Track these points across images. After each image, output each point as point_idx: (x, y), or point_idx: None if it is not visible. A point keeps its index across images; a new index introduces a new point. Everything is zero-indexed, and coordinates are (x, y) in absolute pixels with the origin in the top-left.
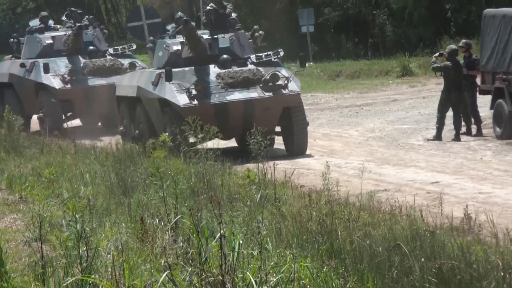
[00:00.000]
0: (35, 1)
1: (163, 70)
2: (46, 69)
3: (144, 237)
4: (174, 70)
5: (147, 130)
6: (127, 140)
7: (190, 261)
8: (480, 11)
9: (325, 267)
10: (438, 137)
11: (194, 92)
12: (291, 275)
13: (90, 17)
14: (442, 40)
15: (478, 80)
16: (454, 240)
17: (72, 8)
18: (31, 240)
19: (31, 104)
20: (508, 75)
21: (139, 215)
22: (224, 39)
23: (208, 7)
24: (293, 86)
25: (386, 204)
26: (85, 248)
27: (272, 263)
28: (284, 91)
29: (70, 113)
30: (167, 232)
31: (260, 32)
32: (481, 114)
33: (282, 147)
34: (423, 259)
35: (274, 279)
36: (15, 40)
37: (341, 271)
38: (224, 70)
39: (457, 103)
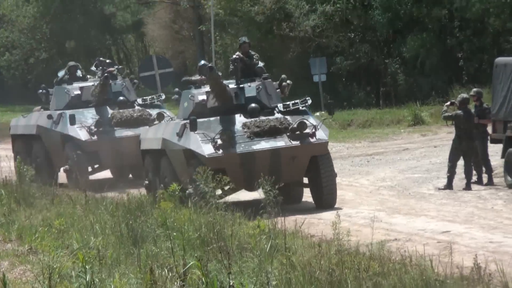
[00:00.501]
0: (48, 52)
1: (188, 121)
2: (72, 120)
3: None
4: (199, 120)
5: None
6: (152, 194)
7: None
8: (492, 60)
9: None
10: (449, 186)
11: (219, 141)
12: None
13: (119, 66)
14: (453, 88)
15: (489, 129)
16: None
17: (101, 58)
18: None
19: (58, 156)
20: None
21: (148, 265)
22: (250, 88)
23: (234, 56)
24: (321, 134)
25: (396, 254)
26: None
27: None
28: (311, 140)
29: (97, 165)
30: (175, 283)
31: (288, 81)
32: (492, 163)
33: (310, 199)
34: None
35: None
36: (44, 91)
37: None
38: (250, 120)
39: (468, 152)
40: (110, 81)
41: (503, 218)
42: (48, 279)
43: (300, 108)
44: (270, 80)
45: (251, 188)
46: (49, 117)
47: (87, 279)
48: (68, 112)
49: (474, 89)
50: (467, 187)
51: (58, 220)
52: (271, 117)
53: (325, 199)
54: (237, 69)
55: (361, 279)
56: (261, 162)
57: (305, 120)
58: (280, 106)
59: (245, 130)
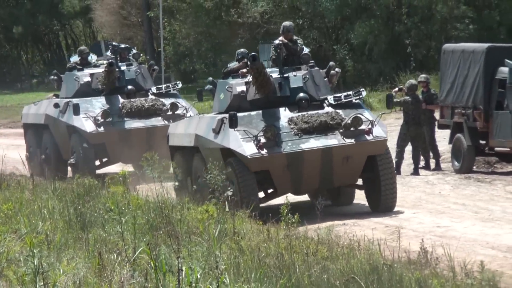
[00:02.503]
0: None
1: (226, 115)
2: (76, 110)
3: (102, 272)
4: (238, 114)
5: (207, 184)
6: (183, 196)
7: None
8: (440, 47)
9: None
10: (397, 171)
11: (262, 140)
12: None
13: (135, 52)
14: (401, 75)
15: (437, 115)
16: (411, 274)
17: (114, 43)
18: None
19: (66, 148)
20: (466, 109)
21: (97, 250)
22: (296, 78)
23: (277, 41)
24: (379, 131)
25: (344, 238)
26: (42, 284)
27: None
28: (368, 137)
29: (106, 159)
30: (125, 267)
31: (337, 69)
32: (440, 148)
33: (362, 202)
34: None
35: None
36: (55, 77)
37: None
38: (297, 114)
39: (416, 137)
40: (123, 68)
41: (450, 203)
42: None
43: (353, 100)
44: (317, 68)
45: (298, 192)
46: (56, 105)
47: (35, 263)
48: (74, 101)
49: (422, 75)
50: (415, 172)
51: (6, 205)
52: (320, 111)
53: (384, 203)
54: (280, 56)
55: (309, 263)
56: (311, 163)
57: (360, 115)
58: (330, 98)
59: (292, 126)
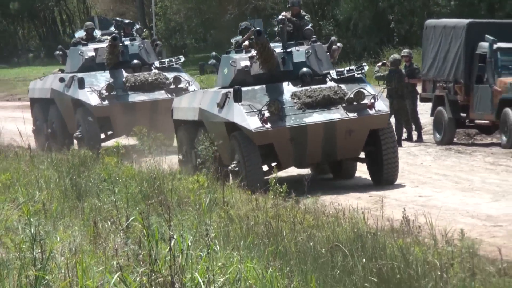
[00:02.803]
0: None
1: (230, 90)
2: (81, 84)
3: (97, 240)
4: (243, 89)
5: (211, 158)
6: (187, 169)
7: (141, 263)
8: (422, 22)
9: (271, 268)
10: None
11: (266, 114)
12: (238, 275)
13: (139, 27)
14: (385, 50)
15: (419, 88)
16: (394, 242)
17: (118, 18)
18: None
19: (72, 121)
20: (448, 83)
21: (92, 218)
22: (299, 53)
23: (281, 16)
24: (381, 105)
25: (330, 208)
26: (39, 250)
27: (220, 264)
28: (370, 111)
29: (110, 132)
30: (118, 235)
31: (339, 44)
32: (422, 121)
33: (364, 175)
34: (364, 260)
35: (222, 280)
36: (60, 52)
37: (285, 271)
38: (300, 89)
39: (399, 110)
40: (126, 43)
41: (431, 173)
42: None
43: (356, 75)
44: (320, 43)
45: (301, 166)
46: (61, 80)
47: (32, 231)
48: (79, 75)
49: (405, 50)
50: (398, 144)
51: (4, 175)
52: (323, 86)
53: (386, 176)
54: (283, 31)
55: (296, 231)
56: (314, 136)
57: (362, 89)
58: (332, 73)
59: (295, 100)
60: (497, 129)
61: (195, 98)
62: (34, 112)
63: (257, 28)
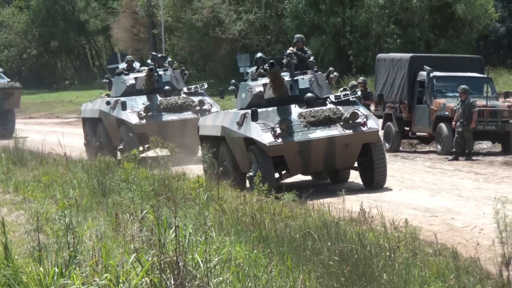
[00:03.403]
0: (37, 49)
1: (248, 111)
2: (124, 106)
3: (118, 228)
4: (258, 110)
5: (231, 166)
6: (210, 176)
7: (152, 246)
8: (374, 56)
9: (255, 250)
10: None
11: (278, 130)
12: (229, 256)
13: (170, 60)
14: (345, 78)
15: (372, 108)
16: (353, 229)
17: (153, 53)
18: (31, 231)
19: (116, 136)
20: (395, 103)
21: (114, 211)
22: (304, 80)
23: (288, 51)
24: (372, 124)
25: (303, 202)
26: (72, 237)
27: (215, 247)
28: (363, 129)
29: (147, 145)
30: (135, 224)
31: (335, 73)
32: None
33: (357, 180)
34: (329, 243)
35: (216, 259)
36: (107, 80)
37: (267, 252)
38: (305, 110)
39: None
40: (160, 72)
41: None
42: (36, 222)
43: (351, 98)
44: (320, 72)
45: (306, 173)
46: (108, 103)
47: (67, 221)
48: (123, 99)
49: (361, 78)
50: None
51: (45, 177)
52: (324, 108)
53: (377, 181)
54: (291, 63)
55: (275, 220)
56: (317, 149)
57: (356, 111)
58: (331, 97)
59: (301, 119)
60: (434, 139)
61: (218, 117)
62: (85, 128)
63: (271, 61)
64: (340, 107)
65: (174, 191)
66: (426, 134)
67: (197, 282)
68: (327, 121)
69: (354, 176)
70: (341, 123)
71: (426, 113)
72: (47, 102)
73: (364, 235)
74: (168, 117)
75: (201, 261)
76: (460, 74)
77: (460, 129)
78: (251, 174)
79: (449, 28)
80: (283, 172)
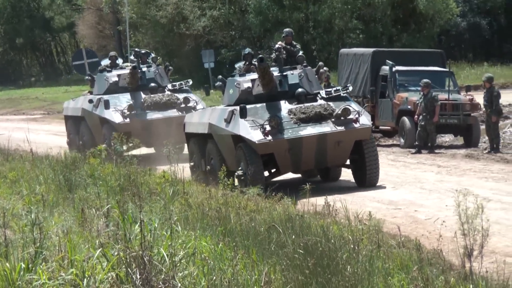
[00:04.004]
0: (2, 46)
1: (236, 108)
2: (107, 105)
3: (84, 223)
4: (247, 107)
5: (219, 165)
6: (197, 175)
7: (118, 241)
8: (338, 51)
9: (220, 243)
10: None
11: (268, 128)
12: (194, 250)
13: (153, 55)
14: None
15: None
16: (317, 222)
17: (136, 49)
18: None
19: (99, 135)
20: (358, 98)
21: (80, 207)
22: (293, 76)
23: (277, 45)
24: (364, 120)
25: (268, 196)
26: (38, 232)
27: (180, 241)
28: (355, 125)
29: (131, 144)
30: (101, 219)
31: (325, 68)
32: None
33: (348, 178)
34: (294, 236)
35: (182, 253)
36: (89, 77)
37: (232, 246)
38: (295, 106)
39: None
40: (144, 69)
41: (348, 173)
42: (3, 217)
43: (342, 94)
44: (310, 67)
45: (297, 171)
46: (90, 101)
47: (33, 217)
48: (105, 97)
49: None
50: None
51: (11, 173)
52: (315, 104)
53: (369, 179)
54: (280, 57)
55: (240, 214)
56: (308, 147)
57: (348, 106)
58: (322, 92)
59: (291, 116)
60: (397, 133)
61: (205, 114)
62: (67, 127)
63: (260, 56)
64: (331, 103)
65: (140, 186)
66: (389, 128)
67: (162, 276)
68: (318, 118)
69: (345, 174)
70: (333, 119)
71: (389, 107)
72: (13, 98)
73: (328, 228)
74: (152, 115)
75: (167, 255)
76: (422, 68)
77: (422, 123)
78: (239, 172)
79: (411, 23)
80: (272, 170)
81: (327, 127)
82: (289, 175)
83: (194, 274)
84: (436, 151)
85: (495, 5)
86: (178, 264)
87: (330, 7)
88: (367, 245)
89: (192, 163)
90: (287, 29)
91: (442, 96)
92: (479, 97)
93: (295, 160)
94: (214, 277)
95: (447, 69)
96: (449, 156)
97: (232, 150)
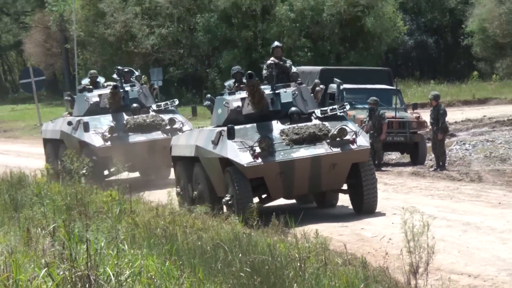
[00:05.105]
0: None
1: (224, 128)
2: (86, 127)
3: (29, 243)
4: (236, 127)
5: (207, 190)
6: (185, 201)
7: (64, 260)
8: None
9: (167, 262)
10: None
11: (257, 150)
12: (141, 268)
13: (138, 74)
14: None
15: None
16: (264, 240)
17: (119, 67)
18: None
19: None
20: None
21: (26, 226)
22: (286, 94)
23: (269, 61)
24: (362, 141)
25: (215, 215)
26: None
27: (127, 260)
28: (352, 146)
29: (113, 169)
30: (46, 238)
31: (322, 86)
32: None
33: (346, 203)
34: (240, 255)
35: (128, 272)
36: (69, 98)
37: (179, 265)
38: (288, 126)
39: None
40: (127, 88)
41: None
42: None
43: (338, 113)
44: (305, 85)
45: (289, 197)
46: (69, 123)
47: None
48: (85, 119)
49: None
50: None
51: None
52: (309, 124)
53: (366, 206)
54: (272, 74)
55: (188, 233)
56: (301, 170)
57: (345, 126)
58: (317, 112)
59: (284, 137)
60: None
61: (192, 136)
62: (46, 150)
63: (249, 72)
64: (326, 123)
65: (87, 205)
66: None
67: None
68: (312, 139)
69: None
70: (328, 140)
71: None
72: None
73: (275, 246)
74: (135, 138)
75: (113, 274)
76: (370, 86)
77: (370, 141)
78: (227, 198)
79: (359, 41)
80: (263, 196)
81: (321, 149)
82: (282, 201)
83: None
84: (383, 168)
85: (442, 24)
86: (124, 283)
87: (278, 25)
88: (314, 263)
89: (178, 189)
90: (276, 42)
91: (389, 114)
92: (425, 115)
93: (287, 185)
94: None
95: (394, 87)
96: (395, 173)
97: (220, 175)
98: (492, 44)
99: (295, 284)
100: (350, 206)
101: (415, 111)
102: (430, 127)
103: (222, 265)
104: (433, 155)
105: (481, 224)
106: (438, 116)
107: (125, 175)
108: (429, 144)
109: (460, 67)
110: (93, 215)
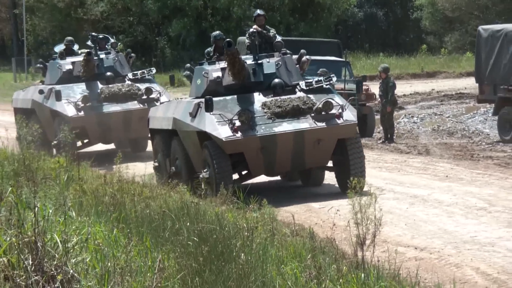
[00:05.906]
0: None
1: (202, 100)
2: (58, 96)
3: None
4: (214, 99)
5: (184, 166)
6: (162, 177)
7: (11, 226)
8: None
9: (115, 230)
10: None
11: (237, 123)
12: (88, 236)
13: (113, 41)
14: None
15: None
16: (212, 209)
17: (93, 33)
18: None
19: (50, 130)
20: None
21: None
22: (269, 64)
23: (251, 29)
24: (349, 115)
25: (165, 183)
26: None
27: (74, 227)
28: (338, 121)
29: (86, 140)
30: None
31: (307, 57)
32: None
33: (332, 182)
34: (188, 223)
35: (75, 239)
36: (41, 65)
37: (126, 233)
38: (270, 99)
39: None
40: (102, 56)
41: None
42: None
43: (324, 86)
44: (289, 55)
45: (271, 174)
46: (41, 92)
47: None
48: (57, 87)
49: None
50: None
51: None
52: (292, 96)
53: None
54: (254, 43)
55: (135, 201)
56: (283, 146)
57: (330, 100)
58: (302, 83)
59: (265, 110)
60: None
61: (170, 108)
62: (17, 120)
63: (227, 39)
64: (311, 96)
65: (35, 171)
66: None
67: (55, 262)
68: (295, 112)
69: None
70: (312, 114)
71: None
72: None
73: (223, 215)
74: (110, 108)
75: (60, 241)
76: (319, 58)
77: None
78: (205, 175)
79: (309, 12)
80: (243, 172)
81: (305, 123)
82: (265, 177)
83: (87, 260)
84: None
85: None
86: (71, 250)
87: None
88: (262, 233)
89: (156, 164)
90: (259, 10)
91: (338, 85)
92: (374, 87)
93: (268, 161)
94: (108, 264)
95: (343, 59)
96: None
97: (198, 149)
98: (441, 18)
99: (243, 254)
100: (337, 185)
101: (364, 83)
102: (379, 99)
103: (170, 233)
104: (381, 128)
105: (428, 197)
106: (387, 88)
107: (99, 146)
108: (377, 117)
109: (409, 40)
110: (41, 182)
